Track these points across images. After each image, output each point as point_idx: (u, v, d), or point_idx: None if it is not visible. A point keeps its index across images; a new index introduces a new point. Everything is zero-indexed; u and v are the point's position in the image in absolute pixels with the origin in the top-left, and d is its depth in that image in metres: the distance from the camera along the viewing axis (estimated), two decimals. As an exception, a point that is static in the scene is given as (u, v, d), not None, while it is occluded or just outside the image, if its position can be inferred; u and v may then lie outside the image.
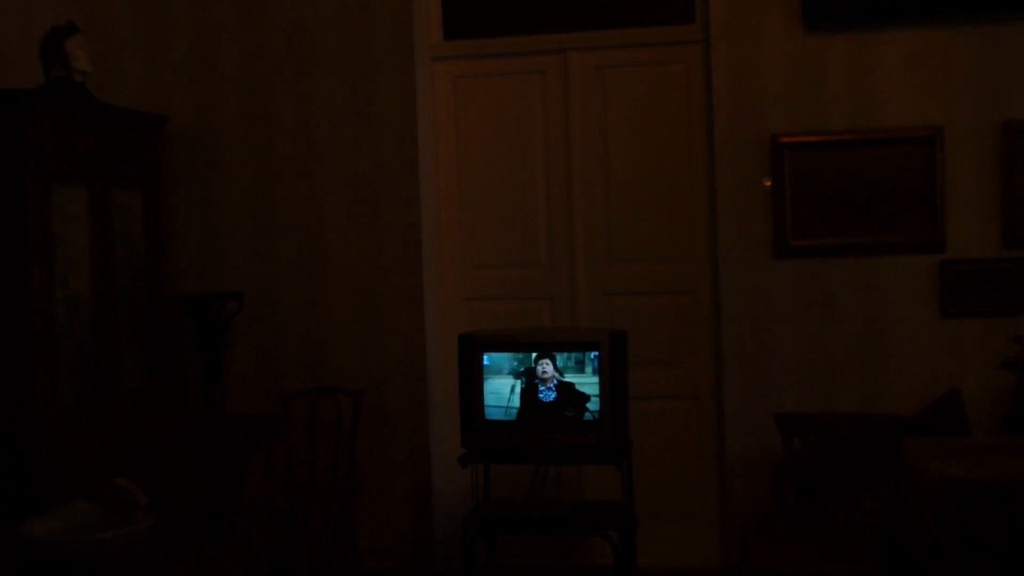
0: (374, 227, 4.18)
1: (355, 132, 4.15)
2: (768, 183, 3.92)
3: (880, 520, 3.28)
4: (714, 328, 4.12)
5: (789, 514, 3.38)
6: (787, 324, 3.98)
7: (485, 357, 3.59)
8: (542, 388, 3.56)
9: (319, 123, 4.16)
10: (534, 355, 3.58)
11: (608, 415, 3.50)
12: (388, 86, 4.12)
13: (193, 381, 4.21)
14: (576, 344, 3.55)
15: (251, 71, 4.18)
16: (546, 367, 3.56)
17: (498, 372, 3.59)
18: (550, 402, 3.54)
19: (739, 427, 4.00)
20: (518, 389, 3.58)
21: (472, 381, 3.60)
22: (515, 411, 3.58)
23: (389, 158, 4.14)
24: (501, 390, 3.59)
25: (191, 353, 4.22)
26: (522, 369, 3.57)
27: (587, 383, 3.55)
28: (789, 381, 3.97)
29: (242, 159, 4.20)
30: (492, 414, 3.61)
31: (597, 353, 3.52)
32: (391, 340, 4.19)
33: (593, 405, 3.53)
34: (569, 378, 3.58)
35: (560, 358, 3.58)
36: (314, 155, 4.19)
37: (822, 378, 3.95)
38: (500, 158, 4.25)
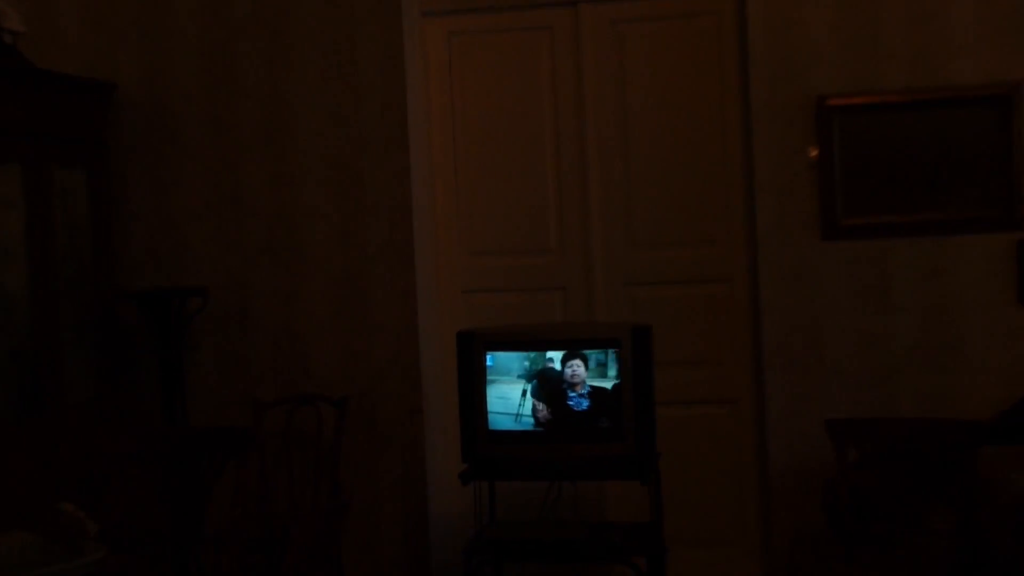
0: (358, 209, 4.11)
1: (334, 100, 4.06)
2: (814, 153, 3.83)
3: (951, 542, 3.23)
4: (752, 321, 4.08)
5: (843, 535, 3.31)
6: (838, 316, 3.90)
7: (489, 357, 3.56)
8: (572, 395, 3.50)
9: (292, 90, 4.06)
10: (550, 354, 3.52)
11: (632, 423, 3.46)
12: (372, 45, 4.01)
13: (150, 390, 4.14)
14: (593, 341, 3.51)
15: (212, 30, 4.07)
16: (576, 369, 3.49)
17: (505, 374, 3.56)
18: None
19: (784, 435, 3.95)
20: (529, 394, 3.53)
21: (474, 385, 3.56)
22: (528, 420, 3.53)
23: (374, 129, 4.05)
24: (509, 395, 3.55)
25: (147, 358, 4.13)
26: (534, 371, 3.53)
27: (607, 386, 3.52)
28: (842, 382, 3.91)
29: (203, 133, 4.08)
30: (498, 423, 3.56)
31: (617, 351, 3.48)
32: (379, 339, 4.15)
33: (614, 411, 3.51)
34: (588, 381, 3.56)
35: (574, 357, 3.54)
36: (287, 128, 4.10)
37: (880, 378, 3.88)
38: (502, 128, 4.16)
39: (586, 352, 3.52)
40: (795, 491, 3.92)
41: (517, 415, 3.54)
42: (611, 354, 3.51)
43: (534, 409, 3.54)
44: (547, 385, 3.53)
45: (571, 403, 3.50)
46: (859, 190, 3.80)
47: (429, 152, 4.18)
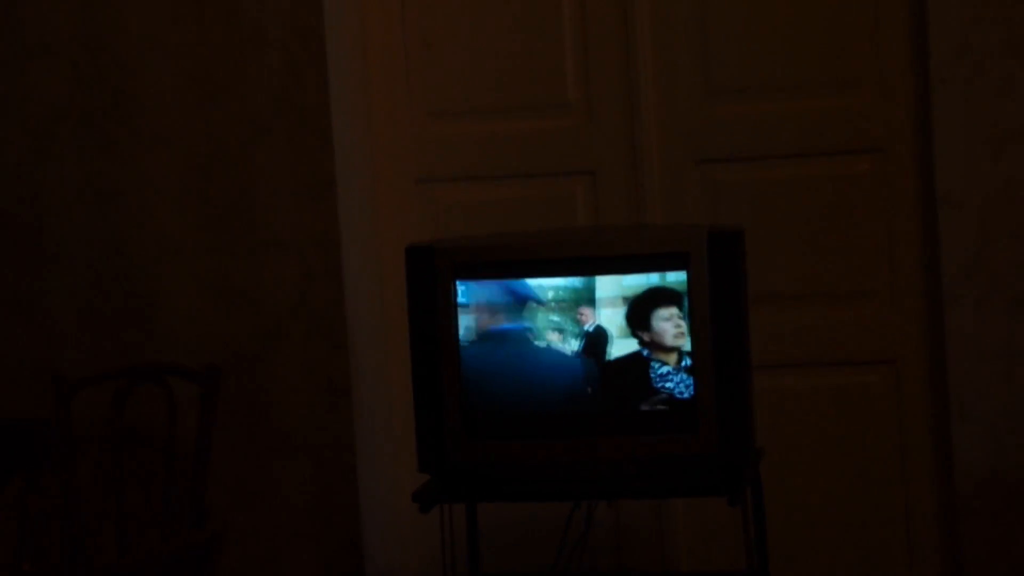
0: (227, 35, 4.18)
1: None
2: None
3: None
4: (923, 211, 4.08)
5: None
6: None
7: (461, 290, 3.55)
8: (610, 352, 3.47)
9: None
10: (567, 282, 3.52)
11: (711, 401, 3.46)
12: None
13: None
14: (642, 259, 3.51)
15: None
16: (614, 316, 3.45)
17: (488, 319, 3.54)
18: (625, 383, 3.47)
19: (983, 418, 3.98)
20: (533, 352, 3.53)
21: (436, 340, 3.56)
22: (531, 397, 3.55)
23: None
24: (495, 355, 3.53)
25: None
26: (539, 316, 3.52)
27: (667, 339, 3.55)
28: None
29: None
30: (481, 405, 3.57)
31: (685, 275, 3.45)
32: (272, 268, 4.20)
33: (679, 382, 3.47)
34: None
35: (612, 290, 3.51)
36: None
37: None
38: None
39: (619, 278, 3.50)
40: (1002, 514, 3.96)
41: (509, 390, 3.54)
42: (673, 281, 3.46)
43: (539, 377, 3.53)
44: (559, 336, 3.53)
45: (609, 370, 3.49)
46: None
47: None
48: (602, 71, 4.19)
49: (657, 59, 4.17)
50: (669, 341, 3.50)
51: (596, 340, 3.51)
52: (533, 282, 3.52)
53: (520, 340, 3.54)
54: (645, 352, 3.50)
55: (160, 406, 3.99)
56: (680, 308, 3.49)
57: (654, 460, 3.47)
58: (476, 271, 3.53)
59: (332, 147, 4.15)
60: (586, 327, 3.51)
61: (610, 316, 3.49)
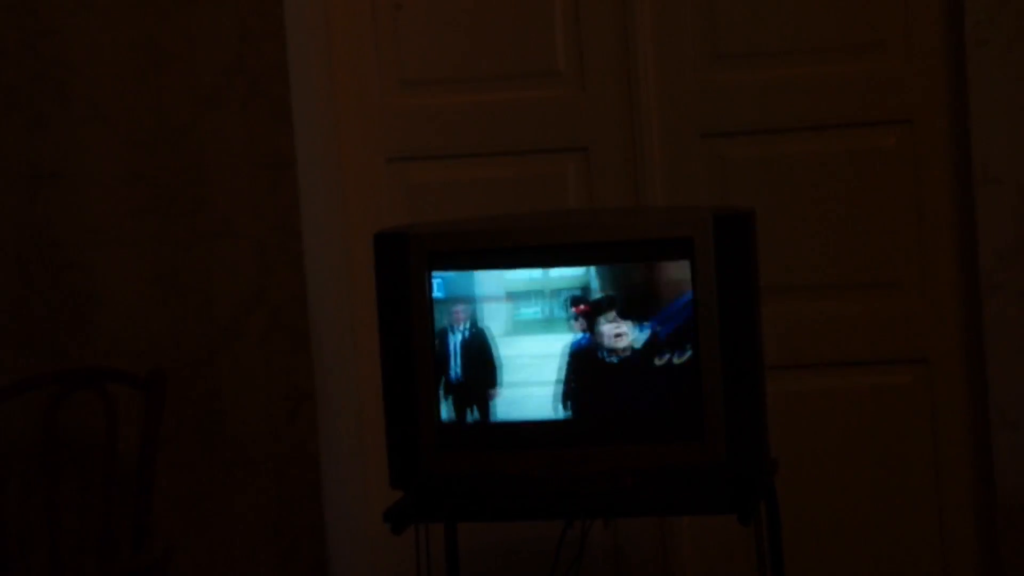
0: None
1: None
2: None
3: None
4: (958, 199, 4.10)
5: None
6: None
7: (436, 282, 3.54)
8: (607, 354, 3.49)
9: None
10: (557, 273, 3.54)
11: (718, 405, 3.47)
12: None
13: None
14: (640, 245, 3.52)
15: None
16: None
17: (468, 314, 3.56)
18: (624, 382, 3.51)
19: None
20: (526, 351, 3.54)
21: (409, 336, 3.54)
22: (518, 400, 3.55)
23: None
24: (475, 355, 3.54)
25: None
26: (525, 311, 3.54)
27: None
28: None
29: None
30: (460, 410, 3.57)
31: (688, 264, 3.46)
32: (226, 258, 4.22)
33: (684, 382, 3.49)
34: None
35: (604, 282, 3.52)
36: None
37: None
38: None
39: (614, 268, 3.51)
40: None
41: (494, 392, 3.54)
42: (675, 269, 3.49)
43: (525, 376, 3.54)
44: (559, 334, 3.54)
45: (605, 369, 3.51)
46: None
47: None
48: (595, 34, 4.19)
49: (657, 20, 4.17)
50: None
51: (589, 337, 3.50)
52: (518, 273, 3.51)
53: (504, 338, 3.54)
54: (643, 350, 3.47)
55: (99, 416, 3.97)
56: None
57: (655, 472, 3.46)
58: (454, 261, 3.52)
59: (291, 121, 4.18)
60: (577, 323, 3.51)
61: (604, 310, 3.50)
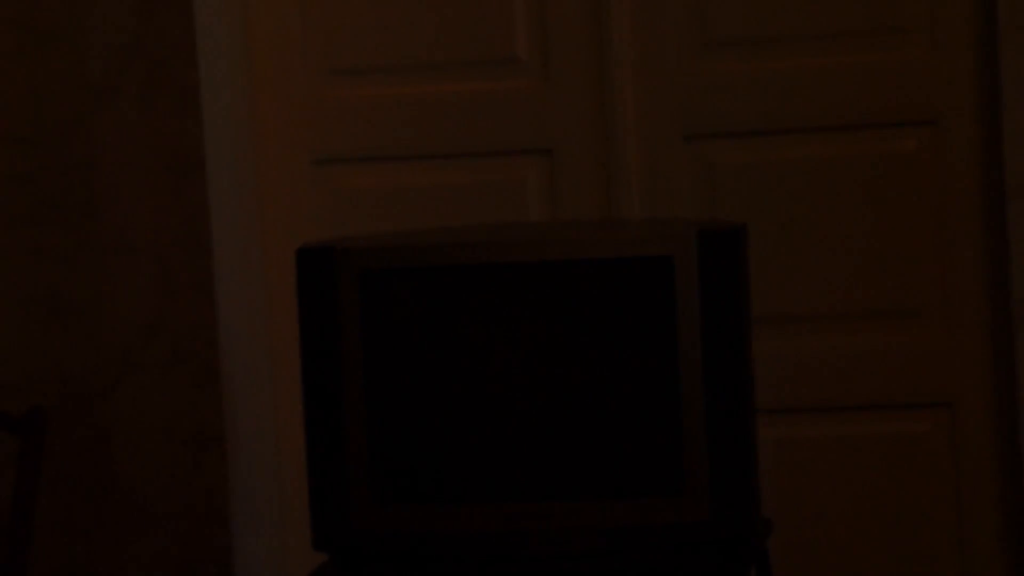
0: None
1: None
2: None
3: None
4: (988, 185, 4.19)
5: None
6: None
7: (370, 304, 3.60)
8: (568, 388, 3.57)
9: None
10: (511, 295, 3.57)
11: (702, 454, 3.53)
12: None
13: None
14: (613, 264, 3.56)
15: None
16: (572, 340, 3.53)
17: (406, 342, 3.59)
18: (591, 427, 3.56)
19: None
20: (467, 387, 3.58)
21: (337, 369, 3.58)
22: (461, 445, 3.60)
23: None
24: (415, 391, 3.58)
25: None
26: (473, 339, 3.55)
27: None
28: None
29: None
30: (397, 458, 3.59)
31: (668, 286, 3.51)
32: (120, 277, 4.28)
33: (662, 427, 3.50)
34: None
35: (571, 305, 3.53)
36: None
37: None
38: None
39: (596, 290, 3.53)
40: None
41: (438, 438, 3.56)
42: (653, 290, 3.48)
43: (478, 422, 3.55)
44: (514, 373, 3.56)
45: (567, 410, 3.56)
46: None
47: None
48: (563, 16, 4.27)
49: (636, 1, 4.26)
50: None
51: (548, 372, 3.58)
52: (466, 294, 3.56)
53: (448, 371, 3.61)
54: (614, 388, 3.52)
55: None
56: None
57: (628, 532, 3.51)
58: (390, 280, 3.56)
59: (200, 115, 4.28)
60: (534, 353, 3.59)
61: (568, 339, 3.55)
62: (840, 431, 4.25)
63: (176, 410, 4.27)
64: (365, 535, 3.59)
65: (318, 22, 4.38)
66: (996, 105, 4.12)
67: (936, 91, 4.19)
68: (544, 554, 3.57)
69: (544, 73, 4.30)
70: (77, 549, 4.27)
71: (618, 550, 3.56)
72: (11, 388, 4.23)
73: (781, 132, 4.25)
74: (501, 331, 3.60)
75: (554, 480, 3.58)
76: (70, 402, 4.27)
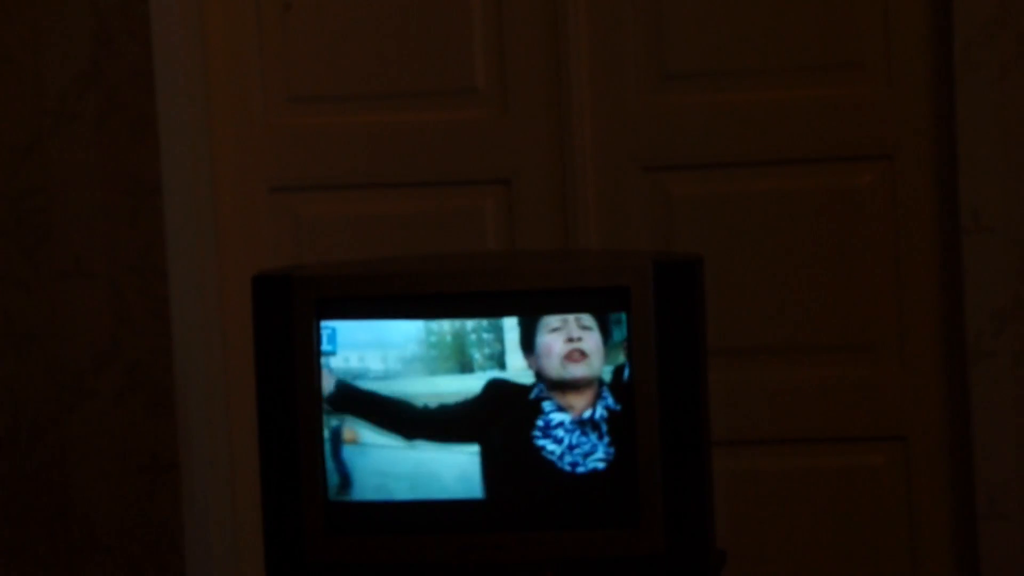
0: None
1: None
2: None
3: None
4: (943, 218, 4.22)
5: None
6: None
7: (326, 333, 3.61)
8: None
9: None
10: (468, 325, 3.59)
11: (656, 485, 3.53)
12: None
13: None
14: (568, 295, 3.57)
15: None
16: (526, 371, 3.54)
17: (362, 372, 3.60)
18: (549, 457, 3.58)
19: (1017, 512, 4.08)
20: (421, 416, 3.60)
21: (293, 399, 3.61)
22: (415, 476, 3.61)
23: None
24: (371, 420, 3.60)
25: None
26: (429, 369, 3.59)
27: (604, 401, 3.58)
28: None
29: None
30: (355, 488, 3.62)
31: (624, 315, 3.52)
32: (74, 303, 4.27)
33: (617, 457, 3.53)
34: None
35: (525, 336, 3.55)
36: None
37: None
38: None
39: (551, 319, 3.57)
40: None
41: (392, 469, 3.59)
42: (611, 325, 3.53)
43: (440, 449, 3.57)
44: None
45: (525, 442, 3.58)
46: None
47: None
48: (521, 46, 4.29)
49: (593, 32, 4.28)
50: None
51: (503, 402, 3.57)
52: (422, 324, 3.56)
53: (404, 400, 3.58)
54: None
55: None
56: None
57: (582, 564, 3.52)
58: (347, 309, 3.57)
59: (156, 141, 4.24)
60: (489, 384, 3.57)
61: (521, 371, 3.54)
62: (795, 464, 4.26)
63: (130, 437, 4.26)
64: (319, 565, 3.59)
65: (276, 50, 4.39)
66: (951, 140, 4.15)
67: (892, 126, 4.22)
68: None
69: (503, 103, 4.32)
70: (30, 576, 4.20)
71: (573, 582, 3.40)
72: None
73: (738, 165, 4.26)
74: (456, 364, 3.60)
75: (509, 511, 3.58)
76: (24, 428, 4.26)
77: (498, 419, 3.58)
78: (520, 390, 3.56)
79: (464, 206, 4.34)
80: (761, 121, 4.26)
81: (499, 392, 3.58)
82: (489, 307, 3.57)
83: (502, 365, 3.58)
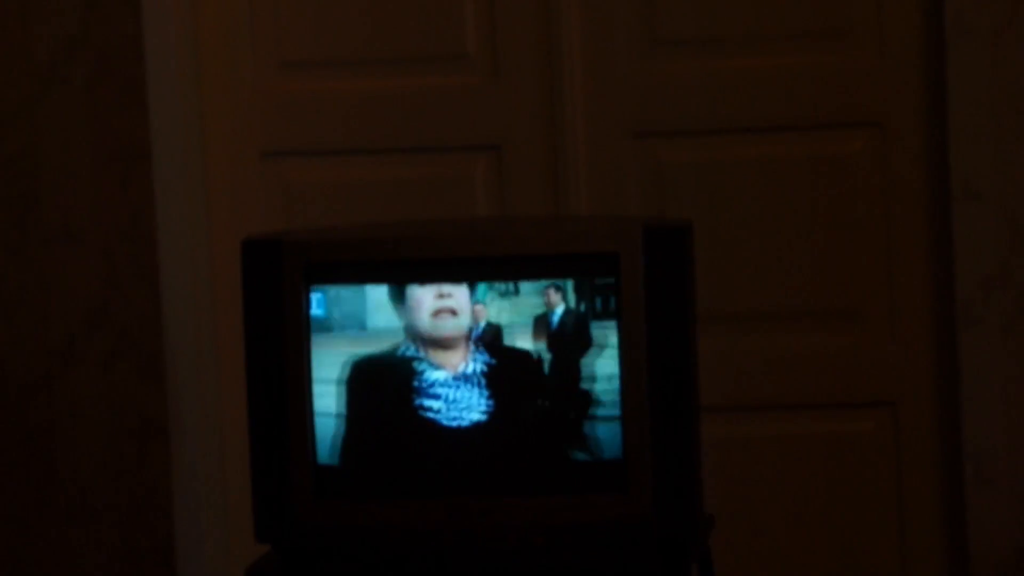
0: None
1: None
2: None
3: None
4: (933, 186, 4.20)
5: None
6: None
7: (315, 298, 3.60)
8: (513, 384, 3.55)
9: None
10: (458, 290, 3.55)
11: (645, 450, 3.52)
12: None
13: None
14: (557, 261, 3.55)
15: None
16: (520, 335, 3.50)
17: (351, 336, 3.58)
18: (537, 419, 3.54)
19: (1013, 483, 4.06)
20: (411, 380, 3.57)
21: (281, 363, 3.60)
22: (405, 440, 3.57)
23: None
24: (359, 385, 3.58)
25: None
26: (419, 334, 3.55)
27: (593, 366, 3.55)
28: None
29: None
30: (337, 449, 3.60)
31: (613, 281, 3.51)
32: (63, 266, 4.30)
33: (604, 424, 3.53)
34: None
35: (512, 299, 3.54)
36: None
37: None
38: None
39: (529, 285, 3.55)
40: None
41: (381, 432, 3.56)
42: (599, 291, 3.51)
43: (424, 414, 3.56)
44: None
45: (512, 404, 3.54)
46: None
47: None
48: (512, 12, 4.29)
49: (585, -2, 4.15)
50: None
51: (495, 367, 3.56)
52: (412, 289, 3.53)
53: (393, 365, 3.55)
54: (557, 386, 3.50)
55: None
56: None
57: (570, 529, 3.52)
58: (336, 273, 3.55)
59: (146, 106, 4.27)
60: (481, 349, 3.56)
61: (516, 335, 3.52)
62: (784, 430, 4.27)
63: (120, 401, 4.26)
64: (308, 528, 3.59)
65: (267, 15, 4.38)
66: (942, 107, 4.16)
67: (883, 93, 4.23)
68: (486, 549, 3.57)
69: (493, 69, 4.32)
70: (19, 540, 4.26)
71: (561, 546, 3.55)
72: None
73: (729, 131, 4.27)
74: (448, 328, 3.57)
75: (497, 475, 3.57)
76: (13, 392, 4.26)
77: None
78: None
79: (454, 172, 4.35)
80: (752, 88, 4.26)
81: (495, 364, 3.55)
82: (476, 272, 3.57)
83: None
